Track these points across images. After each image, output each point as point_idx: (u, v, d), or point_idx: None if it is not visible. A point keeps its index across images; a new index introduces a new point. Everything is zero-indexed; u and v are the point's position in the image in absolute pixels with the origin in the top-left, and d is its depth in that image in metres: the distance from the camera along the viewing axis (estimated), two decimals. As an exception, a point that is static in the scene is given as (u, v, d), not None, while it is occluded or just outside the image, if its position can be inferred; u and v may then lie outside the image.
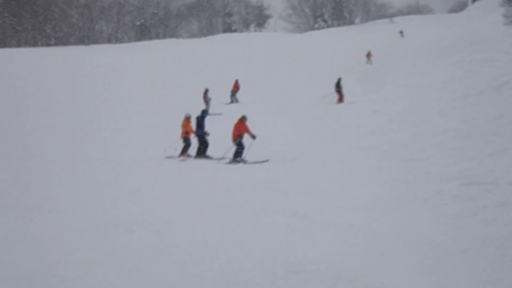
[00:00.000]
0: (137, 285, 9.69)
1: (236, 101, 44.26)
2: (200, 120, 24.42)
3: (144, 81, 52.22)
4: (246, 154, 23.05)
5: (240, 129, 23.20)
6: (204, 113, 25.32)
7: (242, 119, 23.60)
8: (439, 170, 18.97)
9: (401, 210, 15.40)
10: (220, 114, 36.22)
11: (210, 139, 24.49)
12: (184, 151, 24.14)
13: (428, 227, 13.85)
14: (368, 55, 57.58)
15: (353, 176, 19.74)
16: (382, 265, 11.03)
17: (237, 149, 22.78)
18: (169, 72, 58.83)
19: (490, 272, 10.92)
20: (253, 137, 23.12)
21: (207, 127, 24.98)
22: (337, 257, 11.36)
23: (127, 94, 45.82)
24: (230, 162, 22.71)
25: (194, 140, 24.67)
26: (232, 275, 10.23)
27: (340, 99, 39.21)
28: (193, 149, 24.68)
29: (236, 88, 44.65)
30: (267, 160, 22.17)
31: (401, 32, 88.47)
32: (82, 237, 12.53)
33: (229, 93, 44.86)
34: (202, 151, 24.17)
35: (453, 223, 14.06)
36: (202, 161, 23.43)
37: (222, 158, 23.51)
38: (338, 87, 39.88)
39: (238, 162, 22.52)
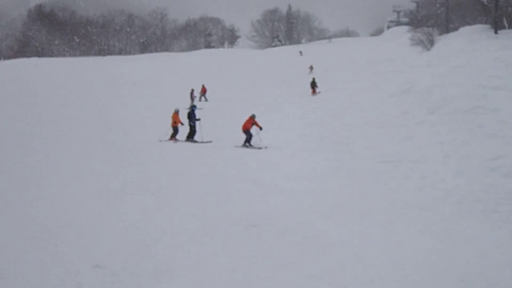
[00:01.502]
0: (138, 233, 9.81)
1: (206, 100, 43.92)
2: (191, 113, 24.38)
3: (146, 83, 51.82)
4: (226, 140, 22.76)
5: (252, 122, 22.61)
6: (194, 107, 25.44)
7: (252, 117, 23.02)
8: (361, 151, 19.24)
9: (333, 180, 15.61)
10: (201, 108, 36.04)
11: (200, 126, 24.21)
12: (173, 136, 24.04)
13: (352, 192, 14.10)
14: (311, 67, 57.47)
15: (299, 155, 19.87)
16: (319, 220, 11.23)
17: (247, 137, 22.22)
18: (164, 77, 58.37)
19: (395, 225, 11.20)
20: (260, 128, 22.71)
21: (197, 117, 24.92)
22: (285, 214, 11.56)
23: (134, 93, 45.37)
24: (242, 146, 22.14)
25: (181, 128, 24.44)
26: (207, 227, 10.40)
27: (314, 92, 39.19)
28: (180, 135, 24.46)
29: (203, 90, 44.42)
30: (266, 147, 21.73)
31: (300, 52, 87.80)
32: (98, 198, 12.53)
33: (200, 94, 44.38)
34: (191, 136, 24.07)
35: (369, 190, 14.33)
36: (189, 144, 23.28)
37: (209, 141, 23.37)
38: (314, 84, 39.87)
39: (247, 146, 22.10)
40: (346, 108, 28.38)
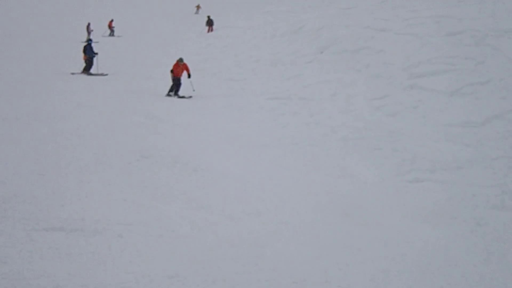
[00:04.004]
0: (31, 162, 9.42)
1: (113, 34, 42.49)
2: (88, 46, 23.52)
3: (59, 18, 48.84)
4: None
5: (183, 68, 20.22)
6: (90, 41, 24.61)
7: (180, 61, 20.47)
8: (252, 88, 19.02)
9: (224, 115, 15.41)
10: (97, 42, 34.39)
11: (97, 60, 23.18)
12: (85, 69, 23.25)
13: (242, 127, 13.94)
14: (198, 7, 56.17)
15: (192, 90, 19.42)
16: (209, 153, 11.13)
17: (176, 86, 19.77)
18: (65, 11, 55.37)
19: (283, 160, 11.20)
20: (189, 75, 20.56)
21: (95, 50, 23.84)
22: (177, 146, 11.32)
23: (38, 25, 42.59)
24: (165, 95, 19.36)
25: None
26: (100, 157, 10.11)
27: (209, 30, 38.33)
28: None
29: (110, 25, 43.00)
30: (190, 97, 19.76)
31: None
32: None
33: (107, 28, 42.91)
34: (87, 69, 23.24)
35: (259, 125, 14.22)
36: (86, 77, 22.16)
37: (105, 74, 22.42)
38: (209, 22, 38.94)
39: (171, 96, 19.49)
40: (238, 46, 28.01)
